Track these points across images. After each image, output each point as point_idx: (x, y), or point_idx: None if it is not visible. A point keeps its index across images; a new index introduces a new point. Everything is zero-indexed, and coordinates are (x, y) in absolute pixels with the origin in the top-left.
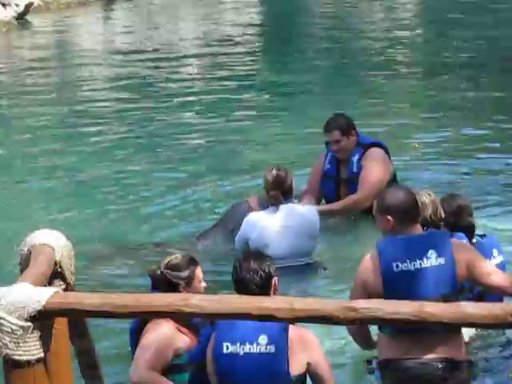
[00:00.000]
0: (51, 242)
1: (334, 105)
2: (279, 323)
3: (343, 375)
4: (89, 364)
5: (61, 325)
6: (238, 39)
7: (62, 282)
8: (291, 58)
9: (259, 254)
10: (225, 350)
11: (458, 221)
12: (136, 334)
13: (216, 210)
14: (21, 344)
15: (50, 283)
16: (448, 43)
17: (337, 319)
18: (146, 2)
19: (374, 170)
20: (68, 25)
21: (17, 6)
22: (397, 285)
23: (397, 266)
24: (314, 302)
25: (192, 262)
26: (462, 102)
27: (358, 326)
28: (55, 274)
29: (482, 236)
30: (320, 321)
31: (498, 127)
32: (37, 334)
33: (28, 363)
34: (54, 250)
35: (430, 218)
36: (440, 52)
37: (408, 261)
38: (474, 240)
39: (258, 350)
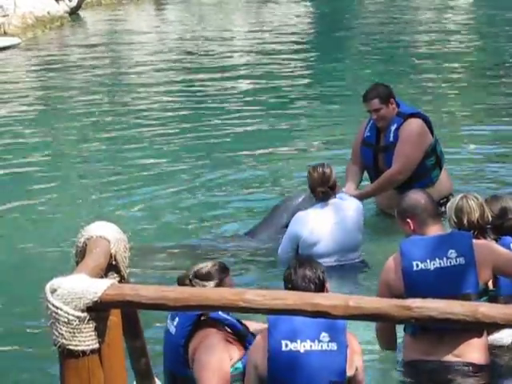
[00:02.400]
0: (107, 234)
1: None
2: (337, 322)
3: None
4: (140, 357)
5: (116, 316)
6: (290, 34)
7: (116, 275)
8: (345, 53)
9: (312, 261)
10: (284, 348)
11: (503, 222)
12: (184, 347)
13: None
14: (76, 334)
15: (105, 275)
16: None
17: (391, 317)
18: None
19: (408, 142)
20: (119, 20)
21: (70, 0)
22: (416, 284)
23: (416, 266)
24: (368, 300)
25: (222, 270)
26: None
27: (387, 326)
28: (110, 267)
29: None
30: (375, 319)
31: None
32: (92, 324)
33: (83, 353)
34: (109, 242)
35: (478, 221)
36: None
37: (428, 260)
38: None
39: (319, 348)
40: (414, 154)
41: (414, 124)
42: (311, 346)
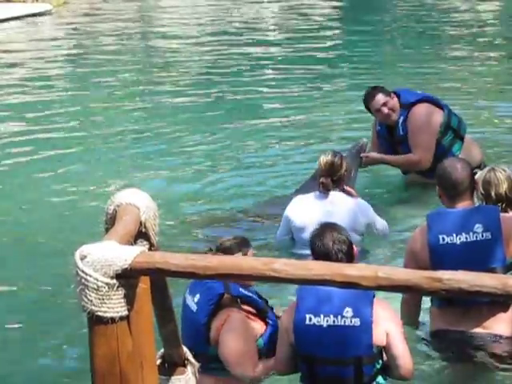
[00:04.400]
0: (137, 201)
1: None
2: (364, 296)
3: None
4: (168, 325)
5: (145, 284)
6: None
7: (145, 242)
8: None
9: (335, 224)
10: (307, 321)
11: None
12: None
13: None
14: (105, 301)
15: (134, 243)
16: None
17: (421, 289)
18: None
19: (419, 132)
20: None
21: None
22: (442, 257)
23: (443, 239)
24: (398, 271)
25: (243, 243)
26: None
27: (413, 300)
28: (139, 234)
29: None
30: (404, 290)
31: None
32: (121, 291)
33: (112, 320)
34: (139, 209)
35: (506, 194)
36: None
37: (454, 234)
38: None
39: (342, 323)
40: (429, 142)
41: (419, 112)
42: (334, 321)
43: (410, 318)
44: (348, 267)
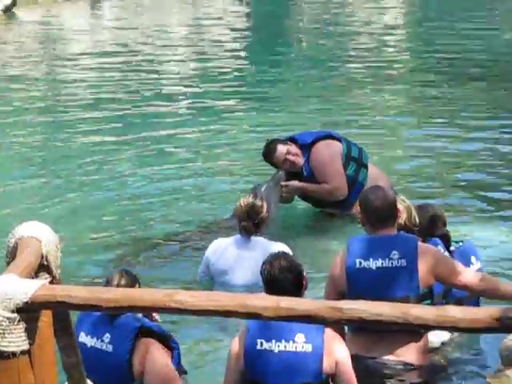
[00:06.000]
0: (38, 234)
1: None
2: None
3: None
4: (70, 358)
5: (46, 317)
6: (223, 40)
7: (47, 275)
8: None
9: (286, 253)
10: (258, 347)
11: (433, 231)
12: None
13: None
14: (6, 335)
15: (36, 276)
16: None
17: (322, 319)
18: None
19: (325, 166)
20: (54, 19)
21: None
22: (358, 282)
23: (359, 263)
24: (300, 301)
25: (135, 278)
26: (445, 110)
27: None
28: (41, 267)
29: (458, 242)
30: (305, 320)
31: (472, 139)
32: (23, 325)
33: (13, 354)
34: (41, 242)
35: (405, 223)
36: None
37: (371, 259)
38: (451, 248)
39: (294, 349)
40: (338, 170)
41: (319, 150)
42: (285, 347)
43: None
44: (251, 298)
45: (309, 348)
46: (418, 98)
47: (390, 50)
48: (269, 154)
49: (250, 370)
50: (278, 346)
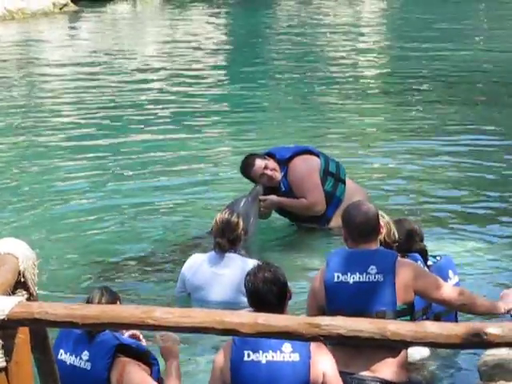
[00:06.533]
0: (15, 251)
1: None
2: None
3: None
4: (48, 376)
5: (23, 334)
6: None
7: (24, 292)
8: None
9: (271, 265)
10: (246, 358)
11: (411, 246)
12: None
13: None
14: None
15: (12, 293)
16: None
17: (300, 335)
18: (112, 15)
19: (303, 181)
20: (32, 35)
21: None
22: (336, 295)
23: (337, 277)
24: (277, 317)
25: (115, 295)
26: (421, 123)
27: None
28: (18, 284)
29: (436, 257)
30: (283, 336)
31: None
32: None
33: None
34: (17, 259)
35: (384, 239)
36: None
37: (349, 273)
38: (429, 263)
39: (281, 358)
40: (315, 185)
41: (297, 165)
42: (273, 357)
43: None
44: (228, 315)
45: (296, 357)
46: (395, 113)
47: (367, 62)
48: (247, 168)
49: (237, 382)
50: (266, 357)
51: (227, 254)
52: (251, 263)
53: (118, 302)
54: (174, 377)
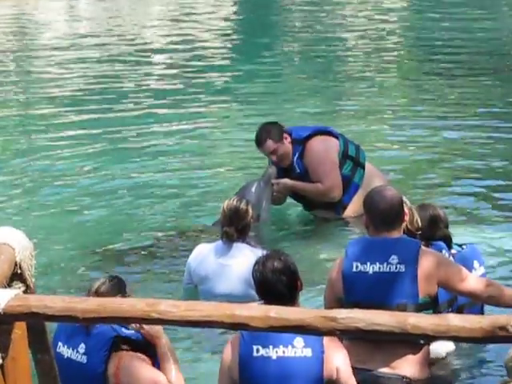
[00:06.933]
0: (12, 241)
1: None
2: None
3: None
4: (46, 371)
5: (20, 329)
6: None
7: (21, 284)
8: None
9: (281, 253)
10: (255, 354)
11: (435, 232)
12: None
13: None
14: None
15: (9, 285)
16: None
17: (315, 329)
18: None
19: (320, 164)
20: (27, 13)
21: None
22: (354, 286)
23: (356, 267)
24: (291, 310)
25: (121, 284)
26: (446, 105)
27: None
28: (15, 276)
29: (461, 246)
30: (297, 330)
31: (477, 137)
32: None
33: None
34: (14, 249)
35: (407, 227)
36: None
37: (368, 263)
38: (453, 251)
39: (293, 354)
40: (332, 169)
41: (314, 146)
42: (284, 352)
43: None
44: (238, 308)
45: (309, 352)
46: (419, 92)
47: (384, 40)
48: (257, 142)
49: (246, 379)
50: (276, 352)
51: (235, 244)
52: (261, 254)
53: (121, 295)
54: (169, 356)
